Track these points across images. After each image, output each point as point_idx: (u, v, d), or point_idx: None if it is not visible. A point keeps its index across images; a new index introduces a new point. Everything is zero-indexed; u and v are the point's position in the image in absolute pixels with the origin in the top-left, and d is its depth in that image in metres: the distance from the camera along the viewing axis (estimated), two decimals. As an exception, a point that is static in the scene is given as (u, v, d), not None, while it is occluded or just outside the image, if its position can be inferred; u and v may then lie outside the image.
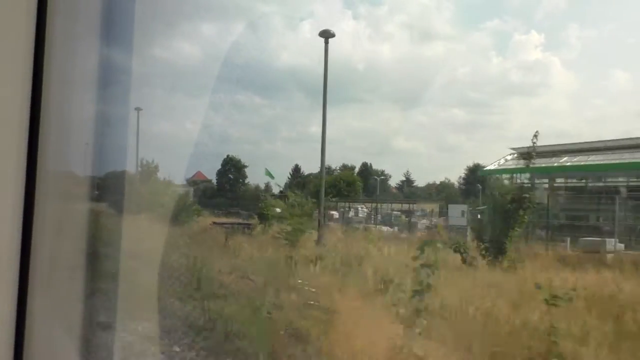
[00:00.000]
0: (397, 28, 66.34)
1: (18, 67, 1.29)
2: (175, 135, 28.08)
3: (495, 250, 10.87)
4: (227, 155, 40.95)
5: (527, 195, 10.91)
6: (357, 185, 45.11)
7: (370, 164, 59.66)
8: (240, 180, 43.30)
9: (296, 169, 56.53)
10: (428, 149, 66.36)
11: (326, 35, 16.97)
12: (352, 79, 62.76)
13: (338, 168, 59.25)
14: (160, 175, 19.24)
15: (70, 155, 1.66)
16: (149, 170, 18.70)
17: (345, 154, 76.03)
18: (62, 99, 1.50)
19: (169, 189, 18.51)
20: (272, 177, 36.64)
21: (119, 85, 2.19)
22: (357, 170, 59.34)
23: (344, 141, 64.12)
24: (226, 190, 43.05)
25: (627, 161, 24.05)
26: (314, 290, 7.31)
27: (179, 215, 15.99)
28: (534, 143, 10.89)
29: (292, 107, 61.75)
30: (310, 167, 58.82)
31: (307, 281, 7.84)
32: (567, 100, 52.09)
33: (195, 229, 16.73)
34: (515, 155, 27.08)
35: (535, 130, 11.55)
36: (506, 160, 28.80)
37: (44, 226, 1.37)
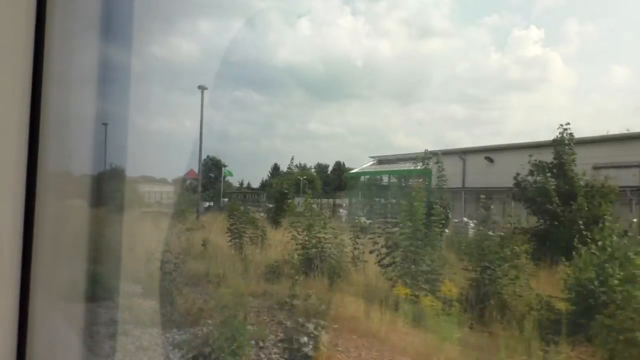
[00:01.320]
0: (396, 24, 63.76)
1: (18, 66, 1.28)
2: (173, 134, 29.55)
3: (274, 222, 20.71)
4: (207, 156, 41.96)
5: (287, 191, 20.73)
6: (317, 183, 53.89)
7: (344, 162, 62.37)
8: (221, 178, 44.43)
9: (275, 168, 60.52)
10: (427, 145, 63.17)
11: (202, 87, 23.82)
12: (351, 75, 62.86)
13: (313, 167, 64.28)
14: (133, 175, 25.97)
15: (70, 154, 1.66)
16: (115, 172, 27.26)
17: (344, 150, 73.83)
18: (62, 97, 1.50)
19: (133, 188, 26.59)
20: (231, 175, 45.88)
21: (118, 83, 2.18)
22: (331, 168, 63.84)
23: (344, 138, 64.39)
24: (208, 189, 43.79)
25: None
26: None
27: (130, 207, 25.23)
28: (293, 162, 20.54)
29: (291, 104, 62.44)
30: (309, 164, 62.75)
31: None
32: (566, 95, 49.63)
33: (134, 215, 26.04)
34: (375, 161, 36.77)
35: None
36: (371, 165, 37.36)
37: (45, 224, 1.37)
